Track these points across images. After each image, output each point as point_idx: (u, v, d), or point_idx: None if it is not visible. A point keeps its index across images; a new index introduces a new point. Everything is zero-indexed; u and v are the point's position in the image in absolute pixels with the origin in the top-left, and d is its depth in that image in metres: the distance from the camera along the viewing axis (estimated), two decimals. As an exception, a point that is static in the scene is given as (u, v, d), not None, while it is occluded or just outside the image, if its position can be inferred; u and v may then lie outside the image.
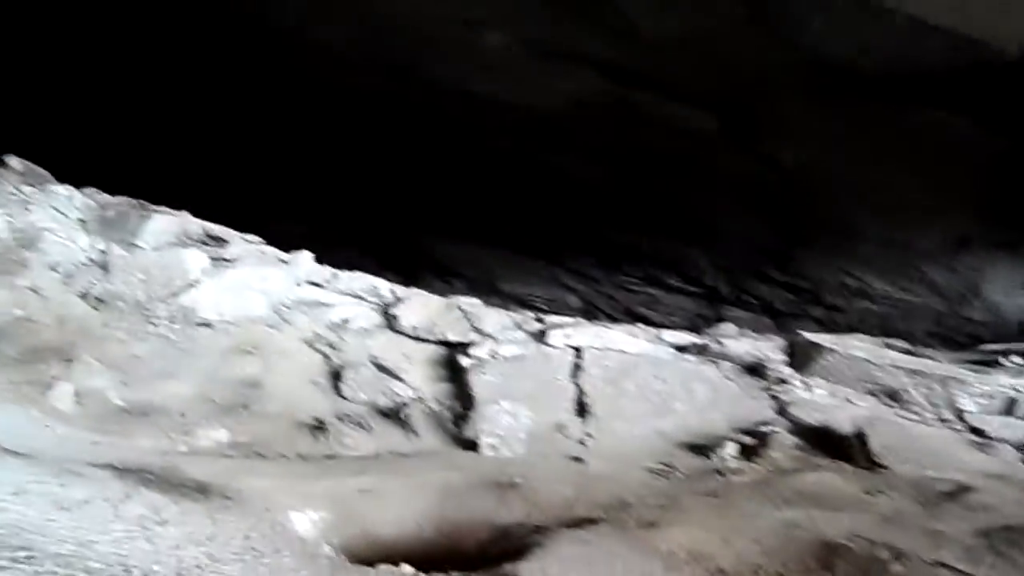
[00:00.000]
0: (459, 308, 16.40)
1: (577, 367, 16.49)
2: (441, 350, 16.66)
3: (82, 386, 11.22)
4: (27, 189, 15.89)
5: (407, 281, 21.41)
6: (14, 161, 16.57)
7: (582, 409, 15.50)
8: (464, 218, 31.99)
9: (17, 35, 23.94)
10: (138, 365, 12.80)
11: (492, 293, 36.17)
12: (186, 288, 14.92)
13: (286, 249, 18.65)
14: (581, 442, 14.29)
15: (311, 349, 15.26)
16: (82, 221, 16.22)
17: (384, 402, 14.53)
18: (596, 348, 16.51)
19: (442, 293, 20.52)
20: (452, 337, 16.46)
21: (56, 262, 15.11)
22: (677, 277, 30.39)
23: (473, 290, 29.60)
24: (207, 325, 14.61)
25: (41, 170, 16.97)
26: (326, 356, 15.25)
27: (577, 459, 13.07)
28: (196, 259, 15.40)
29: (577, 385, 15.97)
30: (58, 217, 15.92)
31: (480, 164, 27.35)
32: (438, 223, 32.53)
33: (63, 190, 16.51)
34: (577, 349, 16.59)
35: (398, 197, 30.73)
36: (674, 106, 19.87)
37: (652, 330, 18.47)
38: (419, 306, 16.74)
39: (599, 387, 15.77)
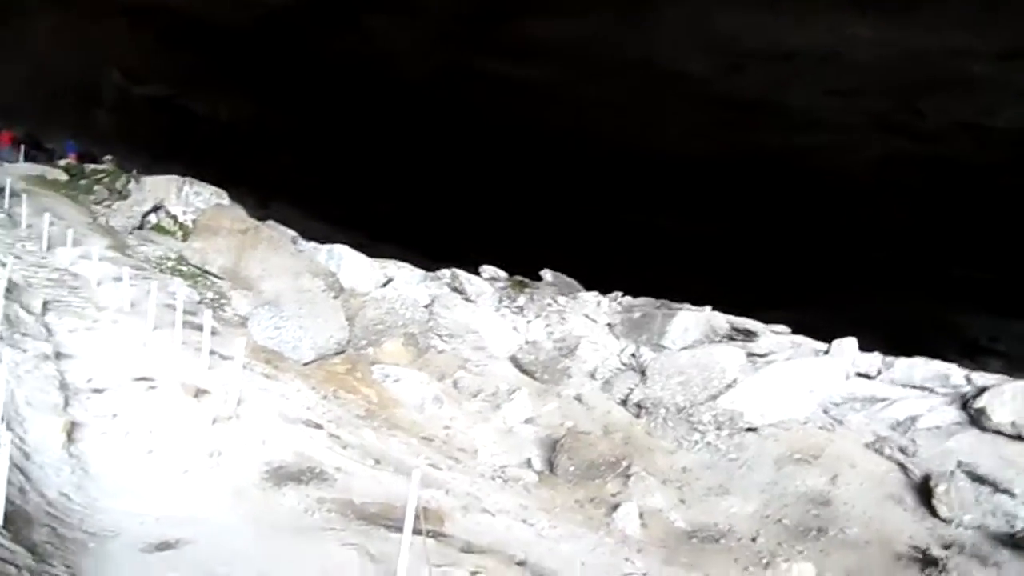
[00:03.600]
0: (1079, 396, 12.36)
1: None
2: (1060, 453, 12.70)
3: (644, 505, 10.23)
4: (561, 299, 16.33)
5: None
6: (548, 274, 17.33)
7: None
8: (995, 287, 26.74)
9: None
10: (691, 480, 11.60)
11: (1037, 371, 28.91)
12: (724, 389, 13.56)
13: (814, 336, 16.53)
14: None
15: (878, 455, 12.61)
16: (610, 326, 16.15)
17: (998, 525, 11.18)
18: None
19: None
20: (1075, 436, 12.43)
21: (594, 368, 15.00)
22: None
23: (1015, 368, 24.08)
24: (753, 430, 12.98)
25: (570, 280, 17.50)
26: (901, 464, 12.43)
27: None
28: (731, 357, 13.99)
29: None
30: (589, 324, 16.04)
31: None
32: (958, 294, 27.67)
33: (592, 296, 16.67)
34: None
35: (910, 266, 26.87)
36: None
37: None
38: (1013, 396, 13.08)
39: None
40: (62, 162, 23.65)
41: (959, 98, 20.58)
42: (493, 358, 15.17)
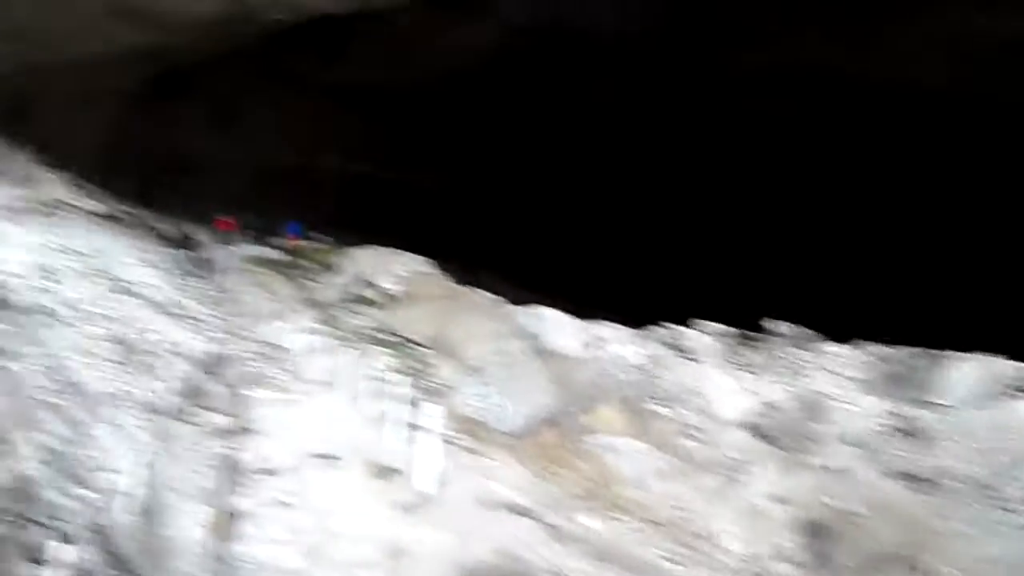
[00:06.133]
0: None
1: None
2: None
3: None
4: (798, 352, 14.17)
5: None
6: (782, 326, 15.23)
7: None
8: None
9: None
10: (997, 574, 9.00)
11: None
12: (1034, 456, 10.74)
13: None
14: None
15: None
16: (862, 381, 13.68)
17: None
18: None
19: None
20: None
21: (845, 432, 12.63)
22: None
23: None
24: (1084, 509, 10.08)
25: (808, 331, 15.24)
26: None
27: None
28: (1038, 415, 11.17)
29: None
30: (836, 379, 13.67)
31: None
32: None
33: (834, 348, 14.33)
34: None
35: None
36: None
37: None
38: None
39: None
40: (278, 242, 24.69)
41: None
42: (724, 423, 13.15)
